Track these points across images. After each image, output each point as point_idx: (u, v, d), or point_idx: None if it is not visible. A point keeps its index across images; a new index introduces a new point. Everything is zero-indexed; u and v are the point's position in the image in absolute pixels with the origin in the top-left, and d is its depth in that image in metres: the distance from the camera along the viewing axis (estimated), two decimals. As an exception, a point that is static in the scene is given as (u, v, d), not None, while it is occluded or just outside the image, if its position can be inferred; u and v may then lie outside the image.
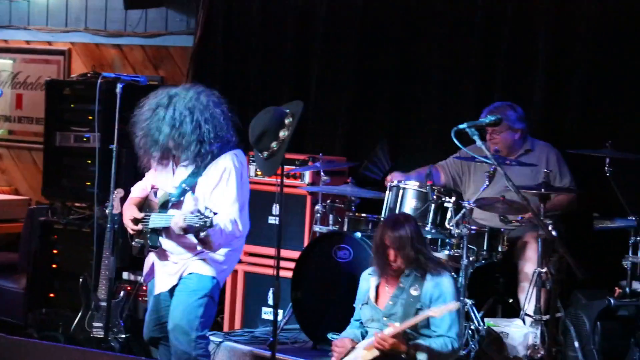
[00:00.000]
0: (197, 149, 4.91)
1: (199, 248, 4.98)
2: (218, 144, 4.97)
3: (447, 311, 4.59)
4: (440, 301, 4.72)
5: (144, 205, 5.13)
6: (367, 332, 4.93)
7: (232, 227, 4.90)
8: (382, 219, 5.01)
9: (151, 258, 5.18)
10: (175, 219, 4.78)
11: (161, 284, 5.13)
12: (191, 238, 4.93)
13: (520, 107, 6.20)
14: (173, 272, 5.07)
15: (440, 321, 4.70)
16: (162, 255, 5.10)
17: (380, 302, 4.88)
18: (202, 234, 4.78)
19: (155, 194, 5.12)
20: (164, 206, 5.02)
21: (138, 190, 5.21)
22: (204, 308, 5.01)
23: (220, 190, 4.94)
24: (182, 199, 4.98)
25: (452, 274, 4.94)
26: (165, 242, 5.06)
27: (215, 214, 4.68)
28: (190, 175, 4.99)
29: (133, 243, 5.12)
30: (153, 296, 5.17)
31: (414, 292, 4.76)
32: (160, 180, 5.12)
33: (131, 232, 5.07)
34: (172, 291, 5.10)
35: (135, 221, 5.04)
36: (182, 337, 4.97)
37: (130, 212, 5.08)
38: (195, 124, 4.89)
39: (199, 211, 4.66)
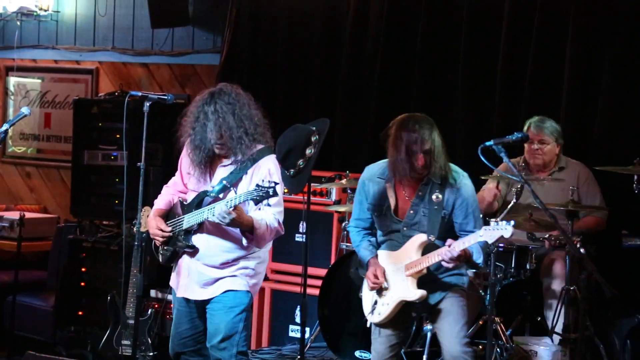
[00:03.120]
0: (244, 142, 4.88)
1: (242, 244, 4.89)
2: (261, 145, 4.96)
3: (500, 236, 4.49)
4: (463, 206, 4.73)
5: (169, 215, 5.13)
6: (386, 242, 4.91)
7: (277, 224, 4.89)
8: (398, 121, 4.82)
9: (179, 265, 5.11)
10: (220, 205, 4.69)
11: (186, 290, 5.05)
12: (235, 233, 4.86)
13: None
14: (201, 282, 5.00)
15: (466, 222, 4.74)
16: (193, 257, 5.01)
17: (400, 213, 4.84)
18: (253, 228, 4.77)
19: (182, 204, 5.10)
20: (200, 204, 4.95)
21: (162, 202, 5.19)
22: (244, 323, 4.99)
23: None
24: (221, 195, 4.90)
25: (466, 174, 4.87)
26: (199, 242, 5.00)
27: (277, 183, 4.62)
28: (231, 173, 4.94)
29: (160, 252, 5.07)
30: (177, 310, 5.14)
31: (435, 199, 4.73)
32: (192, 186, 5.10)
33: (160, 239, 5.04)
34: (199, 307, 5.09)
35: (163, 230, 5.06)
36: (224, 353, 4.94)
37: (155, 222, 5.06)
38: (238, 118, 4.89)
39: (258, 185, 4.60)
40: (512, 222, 4.45)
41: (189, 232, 4.98)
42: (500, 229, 4.46)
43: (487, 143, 4.42)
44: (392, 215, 4.84)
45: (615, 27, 6.38)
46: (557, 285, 5.77)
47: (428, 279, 4.76)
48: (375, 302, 4.88)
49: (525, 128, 6.04)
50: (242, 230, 4.83)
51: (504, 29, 6.70)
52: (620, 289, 4.81)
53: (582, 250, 5.19)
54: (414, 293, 4.72)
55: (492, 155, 4.55)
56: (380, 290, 4.85)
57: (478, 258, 4.71)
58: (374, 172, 4.93)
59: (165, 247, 5.06)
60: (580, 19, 6.45)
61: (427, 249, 4.72)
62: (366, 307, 4.95)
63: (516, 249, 5.78)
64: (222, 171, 4.99)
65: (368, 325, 4.98)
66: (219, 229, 4.92)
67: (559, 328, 5.65)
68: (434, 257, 4.65)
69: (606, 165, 5.85)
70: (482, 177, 5.91)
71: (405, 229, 4.80)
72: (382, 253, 4.91)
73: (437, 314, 4.81)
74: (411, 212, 4.79)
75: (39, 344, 7.28)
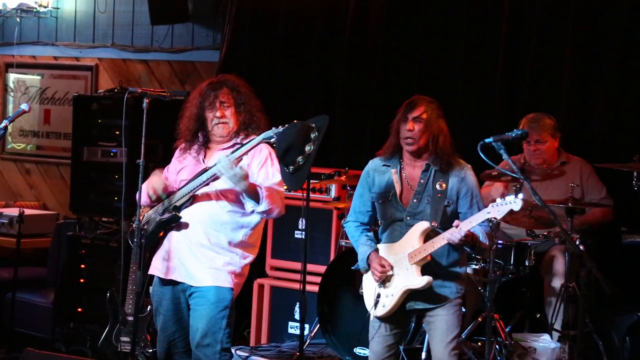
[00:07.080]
0: (249, 127, 5.07)
1: (242, 216, 5.00)
2: (255, 136, 5.01)
3: (509, 210, 4.51)
4: (468, 195, 4.74)
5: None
6: (387, 232, 4.88)
7: (283, 202, 4.98)
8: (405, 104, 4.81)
9: (167, 250, 5.12)
10: (222, 157, 4.80)
11: (175, 272, 5.06)
12: (233, 204, 4.96)
13: None
14: (190, 264, 5.00)
15: (471, 212, 4.72)
16: (183, 238, 5.04)
17: (404, 201, 4.81)
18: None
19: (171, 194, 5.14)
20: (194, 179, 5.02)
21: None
22: (227, 320, 5.01)
23: (266, 169, 5.00)
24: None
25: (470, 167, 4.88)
26: (191, 218, 5.04)
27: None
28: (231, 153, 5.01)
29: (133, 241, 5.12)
30: (162, 315, 5.14)
31: (439, 187, 4.72)
32: (185, 177, 5.13)
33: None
34: (184, 296, 5.07)
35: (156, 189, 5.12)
36: (208, 350, 4.97)
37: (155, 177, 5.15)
38: (246, 102, 5.13)
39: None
40: (521, 195, 4.47)
41: (179, 208, 5.02)
42: (509, 203, 4.49)
43: (487, 140, 4.39)
44: (397, 202, 4.80)
45: (616, 22, 6.38)
46: (556, 282, 5.77)
47: (431, 271, 4.74)
48: (379, 295, 4.84)
49: (520, 127, 6.01)
50: (246, 193, 4.87)
51: (504, 23, 6.70)
52: (619, 286, 4.81)
53: (581, 247, 5.18)
54: (420, 280, 4.69)
55: (492, 153, 4.54)
56: (383, 283, 4.81)
57: (484, 241, 4.73)
58: (379, 163, 4.93)
59: (146, 227, 5.10)
60: (581, 13, 6.44)
61: (429, 236, 4.70)
62: (368, 302, 4.91)
63: (515, 246, 5.79)
64: (218, 155, 5.03)
65: (371, 319, 4.94)
66: (214, 199, 4.98)
67: (558, 325, 5.65)
68: (439, 241, 4.64)
69: (606, 162, 5.85)
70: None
71: (408, 218, 4.77)
72: (381, 247, 4.88)
73: (433, 320, 4.81)
74: (414, 200, 4.76)
75: (38, 341, 7.27)
